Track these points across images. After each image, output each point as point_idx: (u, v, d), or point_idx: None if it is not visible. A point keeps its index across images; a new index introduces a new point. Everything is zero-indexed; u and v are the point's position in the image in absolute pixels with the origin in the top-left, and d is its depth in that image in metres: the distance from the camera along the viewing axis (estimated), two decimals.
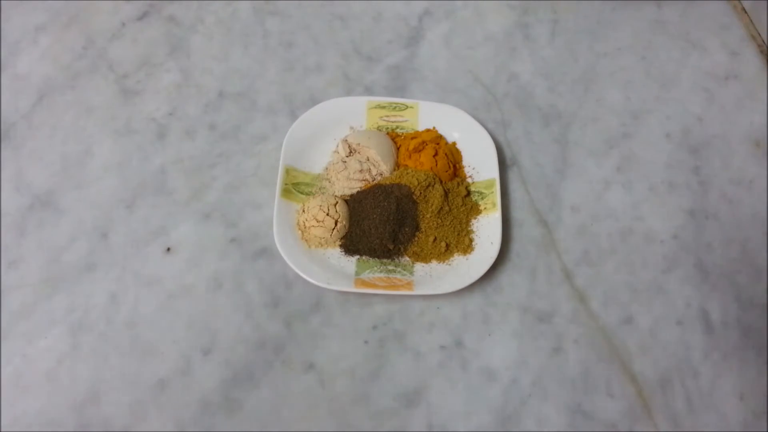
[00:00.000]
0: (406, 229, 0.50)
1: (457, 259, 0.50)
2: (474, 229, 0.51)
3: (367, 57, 0.61)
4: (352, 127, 0.56)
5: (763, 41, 0.64)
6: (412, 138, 0.55)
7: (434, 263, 0.50)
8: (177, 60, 0.60)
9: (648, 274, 0.51)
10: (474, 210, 0.52)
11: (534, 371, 0.47)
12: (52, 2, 0.63)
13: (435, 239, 0.50)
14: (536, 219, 0.53)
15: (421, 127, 0.56)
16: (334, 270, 0.49)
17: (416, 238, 0.51)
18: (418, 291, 0.47)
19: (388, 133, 0.55)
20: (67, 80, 0.58)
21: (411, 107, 0.56)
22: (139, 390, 0.45)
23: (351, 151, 0.54)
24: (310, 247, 0.50)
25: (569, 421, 0.46)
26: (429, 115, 0.56)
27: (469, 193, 0.53)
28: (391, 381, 0.46)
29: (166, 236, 0.51)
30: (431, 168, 0.52)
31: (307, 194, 0.52)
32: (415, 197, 0.51)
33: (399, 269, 0.50)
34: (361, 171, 0.52)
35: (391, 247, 0.50)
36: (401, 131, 0.56)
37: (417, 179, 0.51)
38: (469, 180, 0.54)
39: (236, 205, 0.53)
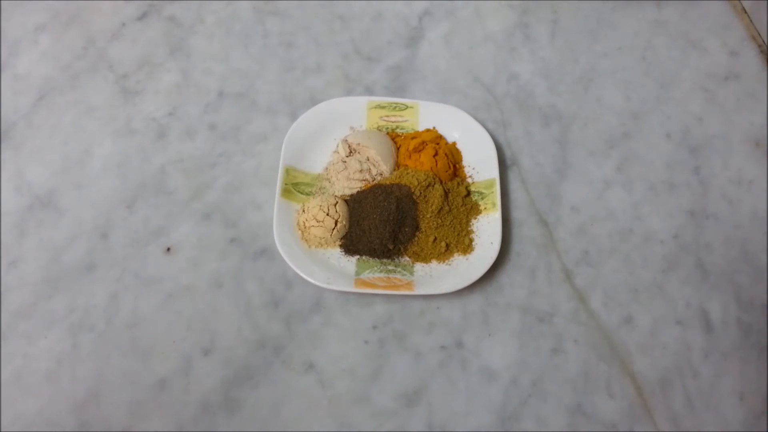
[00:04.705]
0: (406, 229, 0.50)
1: (457, 259, 0.50)
2: (474, 229, 0.51)
3: (367, 57, 0.61)
4: (352, 127, 0.56)
5: (763, 41, 0.64)
6: (412, 138, 0.55)
7: (434, 263, 0.50)
8: (177, 60, 0.60)
9: (648, 274, 0.51)
10: (474, 210, 0.52)
11: (534, 371, 0.47)
12: (52, 2, 0.63)
13: (435, 239, 0.50)
14: (536, 219, 0.53)
15: (421, 127, 0.56)
16: (334, 270, 0.49)
17: (416, 238, 0.51)
18: (418, 291, 0.47)
19: (388, 133, 0.55)
20: (67, 80, 0.58)
21: (411, 107, 0.56)
22: (139, 390, 0.45)
23: (351, 151, 0.54)
24: (310, 247, 0.50)
25: (569, 421, 0.46)
26: (429, 115, 0.56)
27: (469, 193, 0.53)
28: (391, 381, 0.46)
29: (166, 236, 0.51)
30: (431, 168, 0.52)
31: (307, 194, 0.52)
32: (415, 197, 0.51)
33: (399, 269, 0.50)
34: (361, 171, 0.52)
35: (391, 247, 0.50)
36: (401, 131, 0.56)
37: (417, 179, 0.51)
38: (469, 180, 0.54)
39: (236, 205, 0.53)
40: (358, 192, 0.52)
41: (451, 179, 0.53)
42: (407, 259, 0.50)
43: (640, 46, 0.63)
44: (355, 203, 0.51)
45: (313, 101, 0.57)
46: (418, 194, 0.51)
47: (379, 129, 0.56)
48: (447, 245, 0.50)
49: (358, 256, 0.50)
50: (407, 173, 0.52)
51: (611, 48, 0.63)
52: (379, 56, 0.61)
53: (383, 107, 0.56)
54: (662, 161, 0.57)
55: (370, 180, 0.53)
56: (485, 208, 0.52)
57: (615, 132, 0.58)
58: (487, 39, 0.63)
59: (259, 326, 0.48)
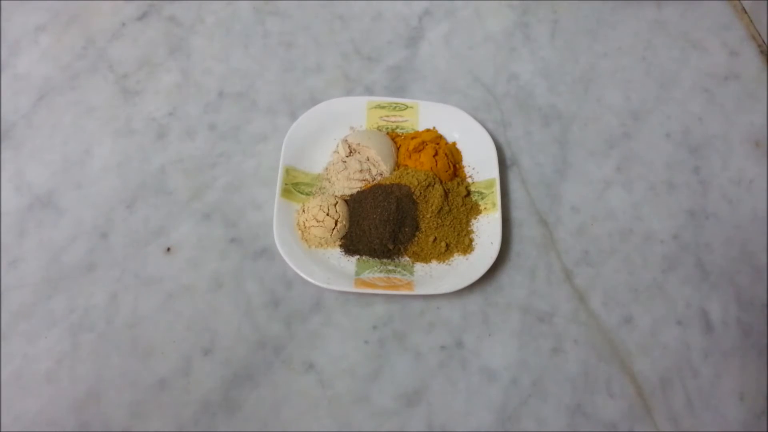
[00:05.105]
0: (406, 229, 0.50)
1: (457, 259, 0.50)
2: (474, 229, 0.51)
3: (367, 57, 0.61)
4: (352, 127, 0.56)
5: (763, 41, 0.64)
6: (412, 138, 0.55)
7: (434, 263, 0.50)
8: (177, 60, 0.60)
9: (648, 274, 0.51)
10: (474, 210, 0.52)
11: (534, 371, 0.47)
12: (52, 2, 0.63)
13: (435, 239, 0.50)
14: (536, 219, 0.53)
15: (421, 127, 0.56)
16: (334, 270, 0.49)
17: (416, 238, 0.51)
18: (418, 291, 0.47)
19: (388, 133, 0.55)
20: (67, 80, 0.58)
21: (411, 107, 0.56)
22: (139, 390, 0.45)
23: (351, 151, 0.54)
24: (310, 247, 0.50)
25: (569, 421, 0.46)
26: (429, 115, 0.56)
27: (469, 193, 0.53)
28: (391, 381, 0.46)
29: (166, 236, 0.51)
30: (431, 168, 0.52)
31: (307, 194, 0.52)
32: (415, 197, 0.51)
33: (399, 269, 0.50)
34: (361, 171, 0.52)
35: (391, 247, 0.50)
36: (401, 131, 0.56)
37: (417, 179, 0.51)
38: (469, 180, 0.54)
39: (236, 205, 0.53)
40: (358, 192, 0.52)
41: (451, 179, 0.53)
42: (407, 259, 0.50)
43: (640, 46, 0.63)
44: (355, 203, 0.51)
45: (313, 101, 0.57)
46: (418, 194, 0.51)
47: (379, 129, 0.56)
48: (447, 245, 0.50)
49: (358, 256, 0.50)
50: (407, 173, 0.52)
51: (611, 48, 0.63)
52: (379, 56, 0.61)
53: (383, 107, 0.56)
54: (662, 161, 0.57)
55: (370, 180, 0.53)
56: (485, 208, 0.52)
57: (615, 132, 0.58)
58: (487, 39, 0.63)
59: (259, 326, 0.48)
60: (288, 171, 0.52)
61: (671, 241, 0.53)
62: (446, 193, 0.52)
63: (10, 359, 0.46)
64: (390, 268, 0.50)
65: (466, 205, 0.52)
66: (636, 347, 0.48)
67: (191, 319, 0.48)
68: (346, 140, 0.54)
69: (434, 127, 0.56)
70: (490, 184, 0.52)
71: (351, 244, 0.50)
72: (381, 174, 0.53)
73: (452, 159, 0.54)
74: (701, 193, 0.55)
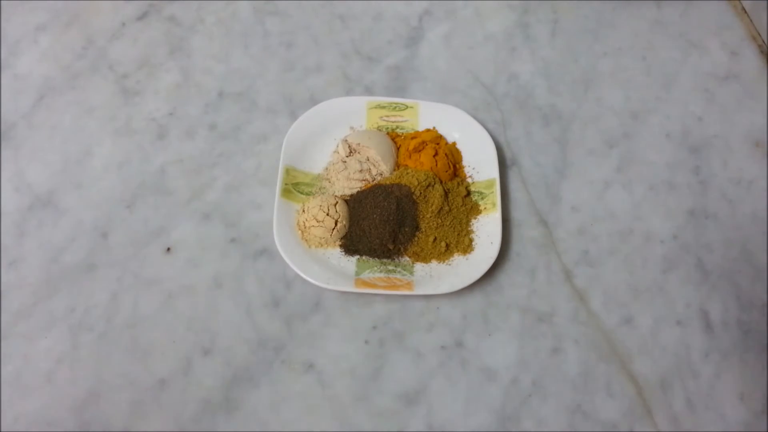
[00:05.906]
0: (406, 229, 0.50)
1: (457, 259, 0.50)
2: (474, 229, 0.51)
3: (367, 57, 0.61)
4: (352, 127, 0.56)
5: (763, 41, 0.64)
6: (412, 138, 0.55)
7: (434, 263, 0.50)
8: (177, 60, 0.60)
9: (648, 274, 0.51)
10: (474, 210, 0.52)
11: (534, 371, 0.47)
12: (52, 2, 0.63)
13: (435, 239, 0.50)
14: (536, 219, 0.53)
15: (421, 127, 0.56)
16: (334, 270, 0.49)
17: (416, 238, 0.51)
18: (418, 291, 0.47)
19: (388, 133, 0.55)
20: (67, 80, 0.58)
21: (411, 107, 0.56)
22: (139, 390, 0.45)
23: (351, 151, 0.54)
24: (310, 247, 0.50)
25: (569, 421, 0.46)
26: (429, 115, 0.56)
27: (469, 193, 0.53)
28: (391, 381, 0.46)
29: (166, 236, 0.51)
30: (431, 168, 0.52)
31: (307, 194, 0.52)
32: (415, 197, 0.51)
33: (399, 269, 0.50)
34: (361, 171, 0.52)
35: (391, 247, 0.50)
36: (401, 131, 0.56)
37: (417, 179, 0.51)
38: (469, 180, 0.54)
39: (236, 205, 0.53)
40: (358, 192, 0.52)
41: (451, 179, 0.53)
42: (407, 259, 0.50)
43: (640, 46, 0.63)
44: (355, 203, 0.51)
45: (313, 101, 0.57)
46: (418, 194, 0.51)
47: (379, 129, 0.56)
48: (447, 245, 0.50)
49: (358, 256, 0.50)
50: (407, 173, 0.52)
51: (611, 48, 0.63)
52: (379, 56, 0.61)
53: (383, 107, 0.56)
54: (662, 161, 0.57)
55: (370, 180, 0.53)
56: (485, 208, 0.52)
57: (615, 132, 0.58)
58: (487, 39, 0.63)
59: (259, 326, 0.48)
60: (288, 171, 0.52)
61: (671, 241, 0.53)
62: (446, 193, 0.52)
63: (10, 359, 0.46)
64: (390, 268, 0.50)
65: (466, 205, 0.52)
66: (636, 347, 0.48)
67: (191, 319, 0.48)
68: (346, 140, 0.54)
69: (434, 127, 0.56)
70: (490, 184, 0.52)
71: (351, 244, 0.50)
72: (381, 174, 0.53)
73: (452, 159, 0.54)
74: (701, 193, 0.55)
